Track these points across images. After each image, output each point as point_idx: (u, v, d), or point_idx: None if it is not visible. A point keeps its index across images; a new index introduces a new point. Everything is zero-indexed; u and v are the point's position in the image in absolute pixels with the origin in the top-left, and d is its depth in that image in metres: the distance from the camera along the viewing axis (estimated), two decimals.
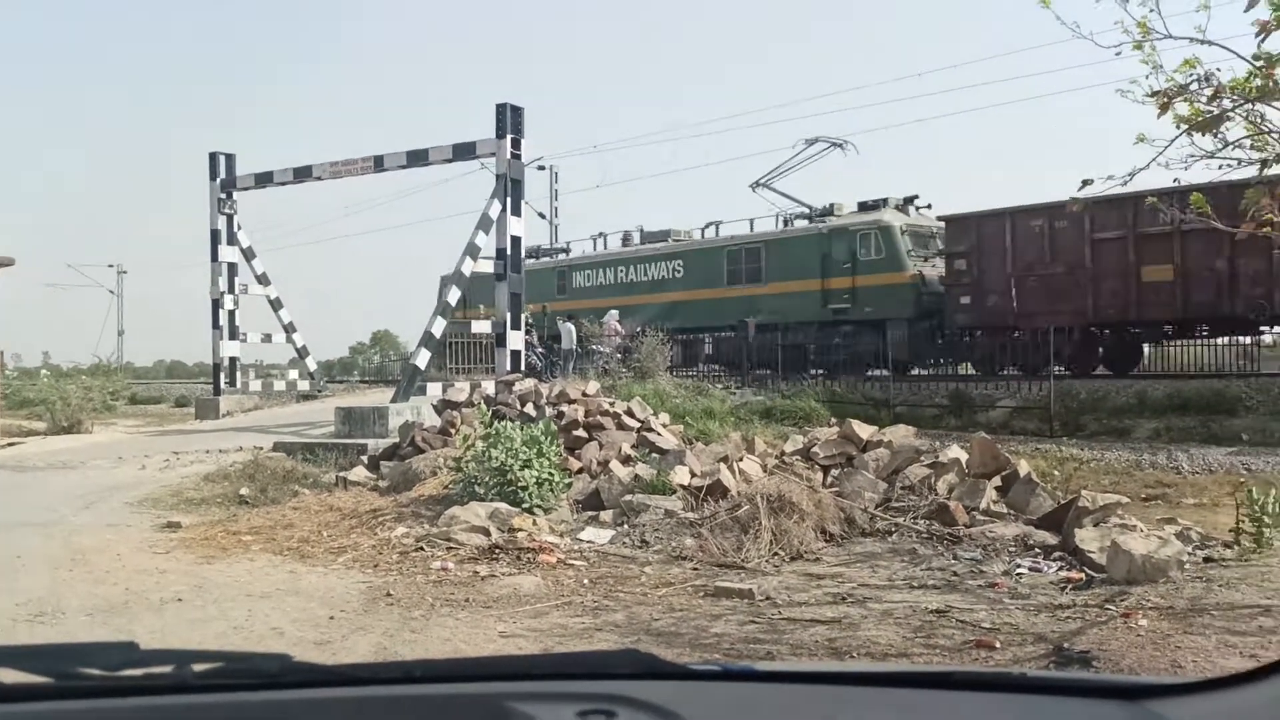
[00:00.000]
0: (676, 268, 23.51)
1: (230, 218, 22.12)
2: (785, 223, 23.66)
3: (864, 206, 22.41)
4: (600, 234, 28.16)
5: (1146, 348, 19.63)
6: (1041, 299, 18.57)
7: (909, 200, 22.24)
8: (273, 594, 6.82)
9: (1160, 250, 17.33)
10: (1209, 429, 14.93)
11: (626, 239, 27.06)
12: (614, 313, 23.18)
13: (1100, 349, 19.33)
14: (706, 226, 25.58)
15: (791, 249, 22.16)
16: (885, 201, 22.18)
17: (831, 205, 23.18)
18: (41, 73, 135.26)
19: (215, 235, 22.10)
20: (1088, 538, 7.40)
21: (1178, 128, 5.95)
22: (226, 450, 14.06)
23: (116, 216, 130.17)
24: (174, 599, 6.67)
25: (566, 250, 29.66)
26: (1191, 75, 5.81)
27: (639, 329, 20.54)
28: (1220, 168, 6.15)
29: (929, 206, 22.45)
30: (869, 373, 20.40)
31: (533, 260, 27.29)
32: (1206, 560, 7.11)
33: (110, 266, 65.62)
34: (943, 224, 20.90)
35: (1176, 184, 7.27)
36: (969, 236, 19.78)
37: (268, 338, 24.42)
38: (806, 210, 23.60)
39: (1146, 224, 16.87)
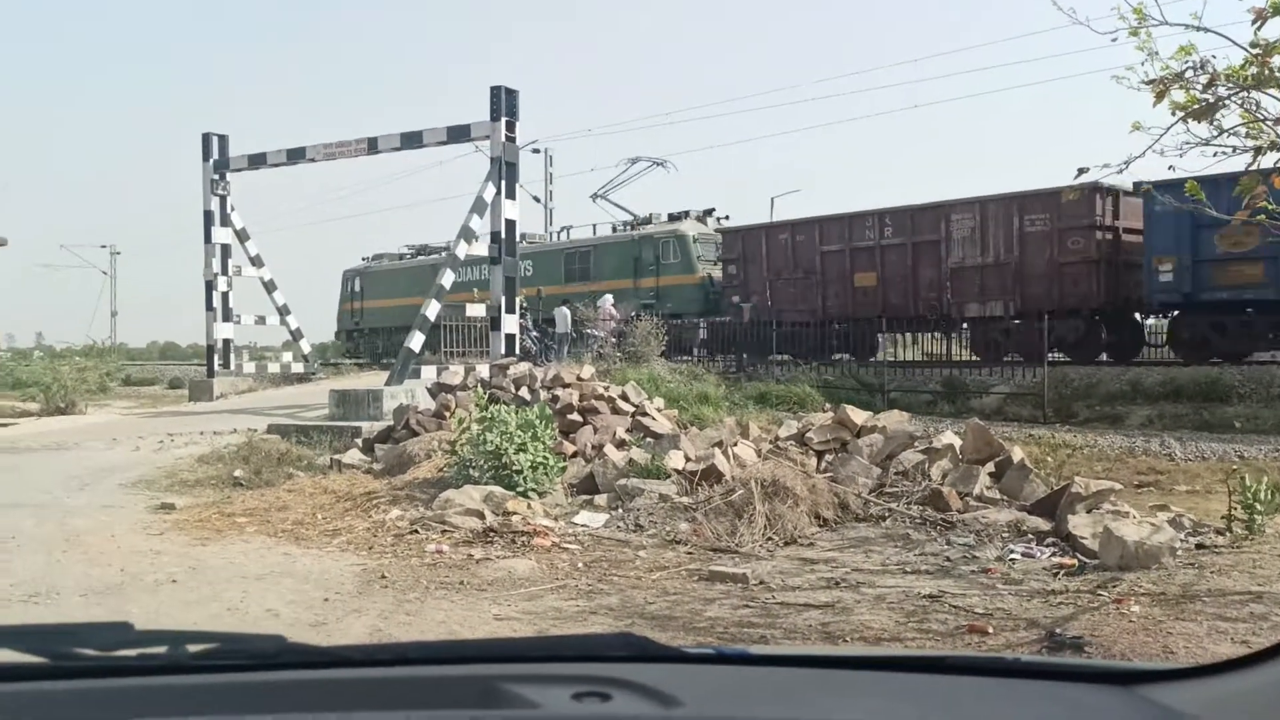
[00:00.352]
0: (528, 266, 26.16)
1: (224, 199, 22.05)
2: (621, 228, 27.38)
3: (671, 217, 25.79)
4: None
5: (881, 338, 22.25)
6: (788, 299, 22.53)
7: (707, 212, 25.80)
8: (267, 576, 6.82)
9: (867, 260, 21.27)
10: (1202, 416, 14.98)
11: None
12: (608, 297, 23.23)
13: (833, 341, 21.82)
14: (561, 231, 29.98)
15: (612, 253, 25.82)
16: (687, 213, 25.69)
17: (650, 215, 26.63)
18: (36, 51, 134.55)
19: (209, 217, 22.03)
20: (1080, 524, 7.43)
21: (1173, 115, 5.94)
22: (221, 432, 14.05)
23: (110, 197, 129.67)
24: (169, 580, 6.68)
25: (445, 248, 32.79)
26: (1187, 62, 5.80)
27: (634, 314, 20.60)
28: (1215, 155, 6.15)
29: (726, 217, 25.88)
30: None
31: (423, 256, 32.50)
32: (1199, 547, 7.15)
33: (103, 247, 65.50)
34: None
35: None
36: (737, 246, 23.63)
37: (261, 320, 24.39)
38: (633, 218, 27.31)
39: (858, 239, 21.23)
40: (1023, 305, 18.88)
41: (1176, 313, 18.12)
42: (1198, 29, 5.80)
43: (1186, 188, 6.46)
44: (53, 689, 1.35)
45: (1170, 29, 5.83)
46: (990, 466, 9.62)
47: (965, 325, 20.70)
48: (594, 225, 28.01)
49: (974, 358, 20.15)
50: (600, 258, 24.94)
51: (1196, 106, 5.89)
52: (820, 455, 10.75)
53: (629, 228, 26.96)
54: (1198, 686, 1.41)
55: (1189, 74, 5.83)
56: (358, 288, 34.64)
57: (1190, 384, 15.94)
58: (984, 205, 19.76)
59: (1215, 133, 6.05)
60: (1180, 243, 16.90)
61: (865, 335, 21.20)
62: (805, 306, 22.20)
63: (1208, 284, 16.85)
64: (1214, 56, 5.78)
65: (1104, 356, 19.60)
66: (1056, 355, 18.73)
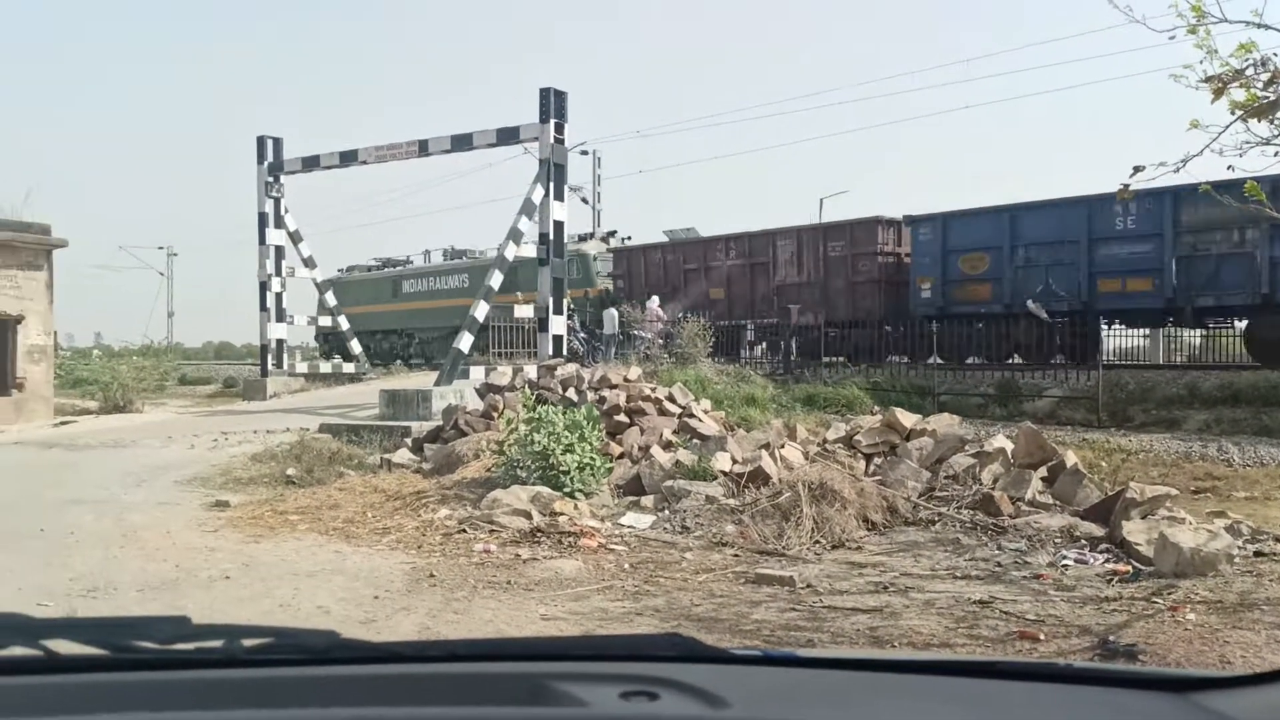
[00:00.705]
0: (464, 279, 30.10)
1: (278, 201, 22.38)
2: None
3: (580, 238, 29.24)
4: (426, 251, 35.92)
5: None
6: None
7: (610, 234, 30.09)
8: (318, 573, 6.91)
9: (719, 277, 24.60)
10: (1261, 421, 14.63)
11: (450, 254, 34.51)
12: (655, 298, 23.35)
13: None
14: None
15: (533, 267, 26.89)
16: (592, 235, 30.33)
17: (579, 235, 29.58)
18: (92, 56, 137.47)
19: (263, 218, 22.38)
20: (1135, 530, 7.30)
21: (1232, 113, 5.82)
22: (274, 431, 14.25)
23: (167, 199, 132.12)
24: (223, 576, 6.79)
25: (407, 261, 36.54)
26: (1248, 60, 5.69)
27: (681, 315, 20.62)
28: (1277, 154, 6.01)
29: (628, 238, 29.33)
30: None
31: (387, 269, 35.80)
32: (1257, 554, 6.98)
33: (161, 249, 66.72)
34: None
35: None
36: (624, 264, 27.33)
37: (314, 320, 24.71)
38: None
39: (710, 260, 24.78)
40: (829, 316, 21.94)
41: (937, 323, 20.66)
42: (1259, 26, 5.68)
43: (1246, 188, 6.32)
44: (113, 680, 1.38)
45: (1230, 26, 5.72)
46: (1043, 471, 9.49)
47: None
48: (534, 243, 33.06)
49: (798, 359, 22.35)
50: (524, 272, 26.16)
51: (1257, 105, 5.77)
52: (868, 458, 10.68)
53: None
54: (1254, 695, 1.38)
55: (1249, 72, 5.71)
56: (336, 295, 36.47)
57: (1249, 388, 15.59)
58: (800, 233, 23.54)
59: (1276, 131, 5.92)
60: (935, 266, 20.58)
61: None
62: (670, 315, 25.48)
63: (955, 300, 20.41)
64: (1276, 54, 5.66)
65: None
66: (837, 359, 21.37)
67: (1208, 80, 5.77)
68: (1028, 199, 19.99)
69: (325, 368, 24.21)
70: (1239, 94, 5.77)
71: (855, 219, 22.81)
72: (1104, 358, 17.66)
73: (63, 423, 17.93)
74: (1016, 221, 19.62)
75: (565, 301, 18.92)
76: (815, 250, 22.79)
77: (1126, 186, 6.36)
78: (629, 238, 29.16)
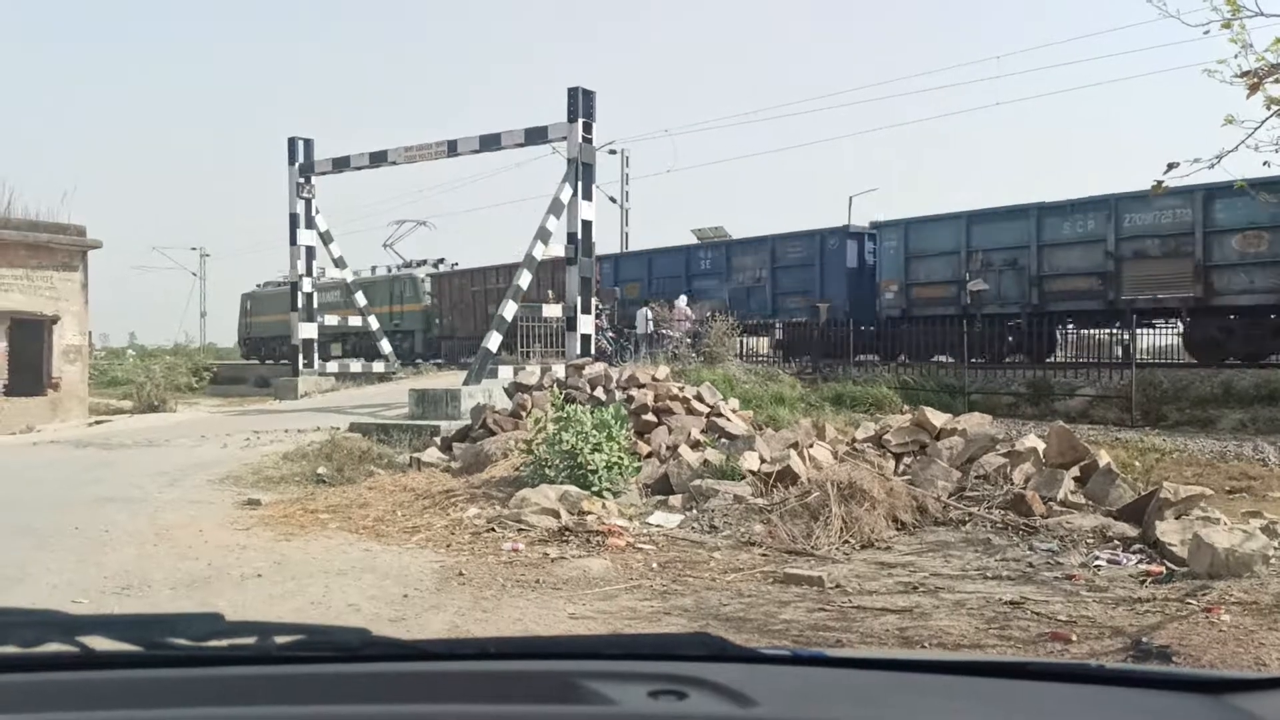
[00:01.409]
0: (337, 295, 34.15)
1: (309, 202, 22.56)
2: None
3: (417, 264, 35.63)
4: (322, 268, 41.88)
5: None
6: (462, 322, 31.06)
7: (439, 261, 35.61)
8: (349, 571, 6.96)
9: (496, 298, 24.64)
10: None
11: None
12: (684, 297, 23.36)
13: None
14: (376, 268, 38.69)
15: (382, 287, 35.23)
16: (425, 262, 35.80)
17: (410, 261, 36.56)
18: (123, 56, 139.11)
19: (294, 219, 22.56)
20: (1169, 530, 7.22)
21: (1268, 109, 5.75)
22: (305, 430, 14.36)
23: (200, 200, 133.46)
24: (254, 574, 6.85)
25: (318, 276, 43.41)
26: None
27: (709, 314, 20.65)
28: None
29: (456, 264, 34.67)
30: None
31: (278, 286, 40.04)
32: None
33: (193, 249, 67.44)
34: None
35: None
36: (438, 285, 33.04)
37: (344, 320, 24.89)
38: (402, 262, 37.30)
39: (488, 283, 29.15)
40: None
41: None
42: None
43: None
44: (147, 676, 1.40)
45: (1267, 20, 5.65)
46: (1075, 471, 9.41)
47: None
48: (373, 267, 38.27)
49: None
50: (374, 290, 33.33)
51: None
52: (898, 458, 10.63)
53: (400, 269, 37.07)
54: None
55: None
56: (249, 307, 43.64)
57: None
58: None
59: None
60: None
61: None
62: (470, 328, 30.52)
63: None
64: None
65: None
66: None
67: (1243, 75, 5.70)
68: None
69: (355, 367, 24.37)
70: (1275, 89, 5.70)
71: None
72: (1137, 356, 17.59)
73: (97, 422, 18.17)
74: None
75: (593, 301, 18.95)
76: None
77: (1160, 183, 6.29)
78: (456, 264, 35.17)
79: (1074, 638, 5.24)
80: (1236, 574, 6.20)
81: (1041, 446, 9.78)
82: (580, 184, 17.82)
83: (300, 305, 22.93)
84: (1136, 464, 11.78)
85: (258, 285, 44.04)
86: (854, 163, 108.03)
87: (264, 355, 40.54)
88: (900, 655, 3.34)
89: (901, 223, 21.94)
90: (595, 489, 9.01)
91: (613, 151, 38.52)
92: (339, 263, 23.47)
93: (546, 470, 9.35)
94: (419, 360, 30.25)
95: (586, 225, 18.11)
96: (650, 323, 22.55)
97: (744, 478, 9.32)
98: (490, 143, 19.24)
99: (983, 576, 6.80)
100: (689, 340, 20.00)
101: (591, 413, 9.80)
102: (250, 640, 1.46)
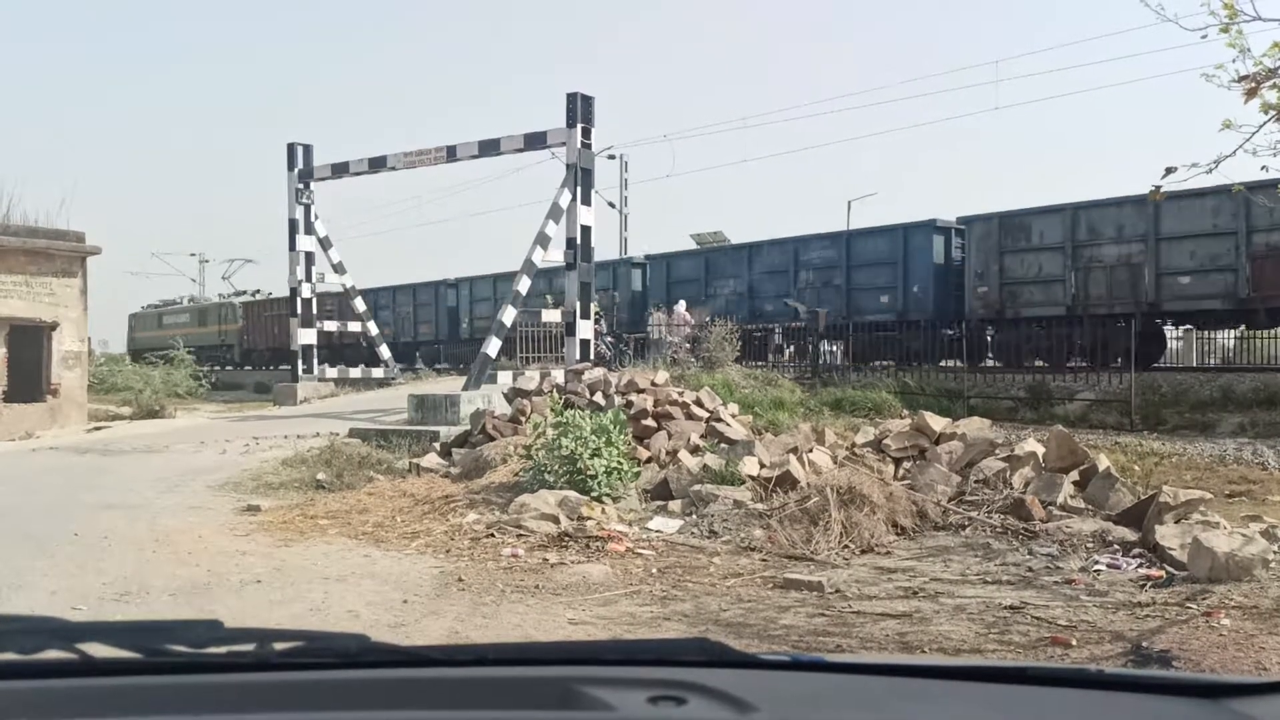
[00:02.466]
0: (185, 316, 46.34)
1: (308, 208, 22.57)
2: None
3: (237, 293, 45.90)
4: (188, 295, 53.68)
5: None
6: (262, 340, 38.09)
7: (255, 291, 43.91)
8: (348, 577, 6.95)
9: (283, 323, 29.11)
10: None
11: (190, 299, 53.33)
12: (683, 302, 23.37)
13: None
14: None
15: (213, 311, 44.39)
16: (245, 292, 45.12)
17: (237, 292, 46.87)
18: (123, 58, 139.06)
19: (293, 225, 22.57)
20: (1169, 534, 7.22)
21: (1265, 114, 5.76)
22: (304, 436, 14.35)
23: (199, 206, 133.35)
24: (254, 580, 6.84)
25: (173, 301, 52.61)
26: None
27: (709, 319, 20.66)
28: None
29: (270, 293, 40.68)
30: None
31: (163, 307, 50.46)
32: None
33: (193, 255, 67.60)
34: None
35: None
36: (248, 311, 40.48)
37: (344, 326, 24.89)
38: (234, 292, 47.78)
39: (279, 311, 32.38)
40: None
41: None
42: None
43: None
44: (146, 683, 1.40)
45: (1264, 24, 5.66)
46: (1074, 475, 9.41)
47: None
48: (193, 296, 51.13)
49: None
50: (208, 313, 43.76)
51: None
52: (898, 462, 10.63)
53: (229, 297, 45.95)
54: None
55: None
56: (134, 324, 51.15)
57: None
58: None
59: None
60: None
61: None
62: (265, 345, 38.26)
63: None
64: None
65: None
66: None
67: (1241, 80, 5.71)
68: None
69: (355, 373, 24.37)
70: (1271, 95, 5.70)
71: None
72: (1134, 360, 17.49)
73: (96, 428, 18.15)
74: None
75: (592, 306, 18.96)
76: None
77: (1159, 189, 6.30)
78: (270, 293, 41.23)
79: (1074, 642, 5.24)
80: (1236, 578, 6.21)
81: (1041, 451, 9.78)
82: (579, 189, 17.83)
83: (299, 311, 22.92)
84: (1136, 468, 11.81)
85: (141, 307, 52.74)
86: (853, 166, 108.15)
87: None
88: (900, 660, 3.34)
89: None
90: (595, 494, 9.01)
91: (611, 157, 38.52)
92: (338, 268, 23.46)
93: (546, 475, 9.35)
94: (244, 366, 39.99)
95: (585, 230, 18.12)
96: (656, 328, 22.55)
97: (743, 483, 9.31)
98: (489, 148, 19.25)
99: (982, 581, 6.80)
100: (688, 345, 20.01)
101: (591, 418, 9.80)
102: (249, 647, 1.46)
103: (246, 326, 40.41)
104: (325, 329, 24.35)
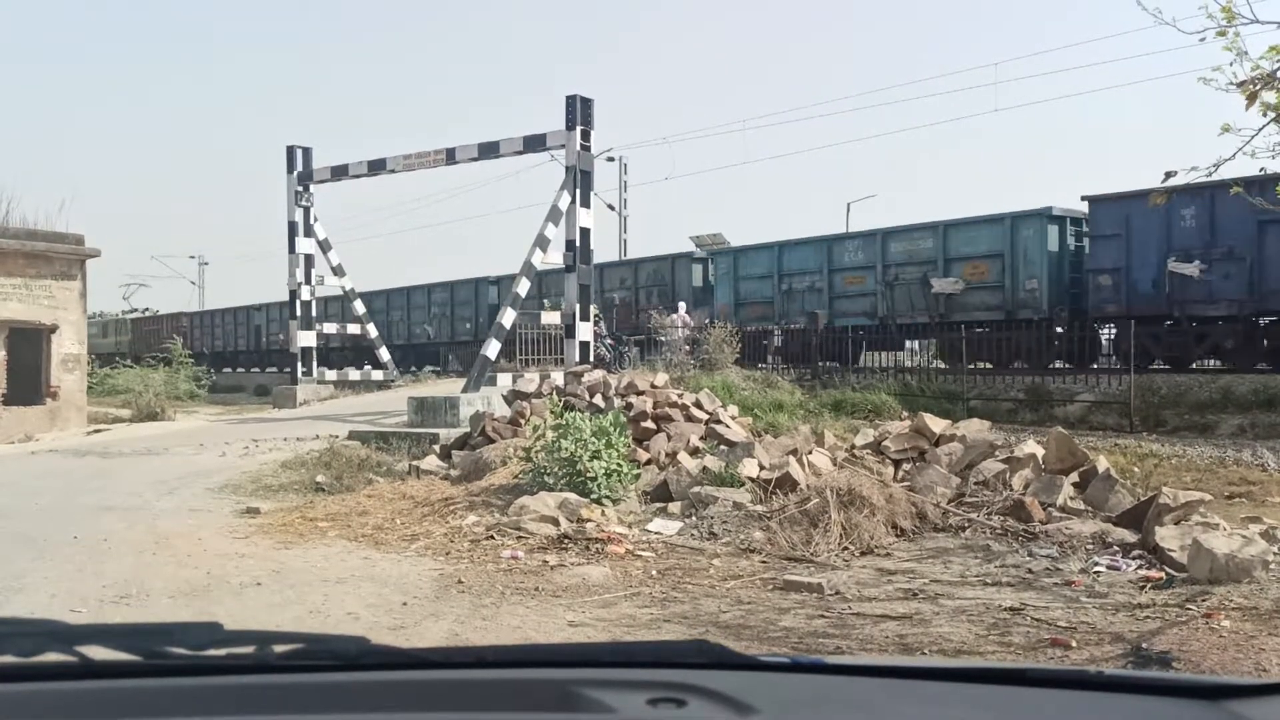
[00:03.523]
0: (98, 329, 50.05)
1: (307, 210, 22.57)
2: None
3: (131, 311, 57.13)
4: (96, 314, 56.92)
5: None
6: (145, 350, 38.69)
7: (147, 309, 51.16)
8: (348, 579, 6.95)
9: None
10: None
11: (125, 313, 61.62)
12: (683, 304, 23.41)
13: None
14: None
15: (112, 326, 51.97)
16: (148, 310, 53.22)
17: (147, 309, 57.75)
18: (120, 61, 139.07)
19: (292, 227, 22.58)
20: (1168, 536, 7.22)
21: (1264, 116, 5.76)
22: (303, 438, 14.36)
23: (198, 209, 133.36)
24: (253, 583, 6.84)
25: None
26: (1279, 61, 5.62)
27: (708, 320, 20.67)
28: None
29: (159, 310, 53.95)
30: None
31: (106, 318, 57.75)
32: None
33: (192, 258, 67.73)
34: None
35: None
36: (135, 326, 48.53)
37: (343, 328, 24.89)
38: (134, 309, 58.18)
39: (154, 327, 40.80)
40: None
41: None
42: None
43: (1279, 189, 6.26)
44: (146, 686, 1.40)
45: (1261, 27, 5.66)
46: (1074, 476, 9.40)
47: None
48: (101, 312, 57.70)
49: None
50: (116, 325, 50.42)
51: None
52: (897, 464, 10.62)
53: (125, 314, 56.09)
54: None
55: None
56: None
57: None
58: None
59: None
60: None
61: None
62: (146, 352, 37.49)
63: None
64: None
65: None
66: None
67: (1240, 84, 5.72)
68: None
69: (354, 375, 24.38)
70: (1270, 97, 5.71)
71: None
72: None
73: (96, 430, 18.16)
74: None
75: (591, 308, 18.97)
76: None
77: (1159, 191, 6.31)
78: (158, 310, 52.53)
79: (1074, 644, 5.24)
80: (1236, 579, 6.20)
81: (1040, 452, 9.78)
82: (579, 191, 17.84)
83: (299, 314, 22.91)
84: (1135, 469, 11.80)
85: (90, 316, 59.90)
86: (852, 168, 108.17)
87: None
88: (900, 662, 3.34)
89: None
90: (594, 496, 9.00)
91: (611, 159, 38.57)
92: (337, 270, 23.46)
93: (545, 477, 9.35)
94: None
95: (585, 232, 18.12)
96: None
97: (743, 485, 9.31)
98: (489, 151, 19.26)
99: (982, 583, 6.79)
100: (687, 347, 20.01)
101: (590, 420, 9.80)
102: (249, 649, 1.46)
103: (134, 338, 49.85)
104: (325, 330, 24.47)
